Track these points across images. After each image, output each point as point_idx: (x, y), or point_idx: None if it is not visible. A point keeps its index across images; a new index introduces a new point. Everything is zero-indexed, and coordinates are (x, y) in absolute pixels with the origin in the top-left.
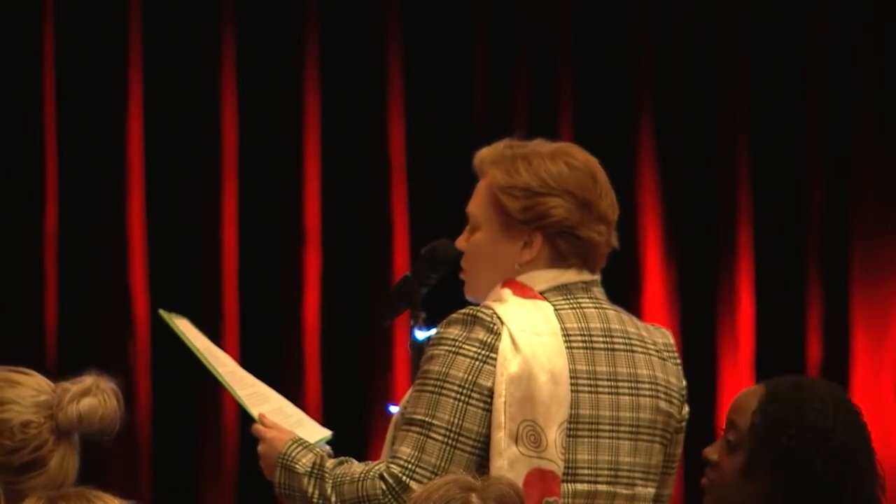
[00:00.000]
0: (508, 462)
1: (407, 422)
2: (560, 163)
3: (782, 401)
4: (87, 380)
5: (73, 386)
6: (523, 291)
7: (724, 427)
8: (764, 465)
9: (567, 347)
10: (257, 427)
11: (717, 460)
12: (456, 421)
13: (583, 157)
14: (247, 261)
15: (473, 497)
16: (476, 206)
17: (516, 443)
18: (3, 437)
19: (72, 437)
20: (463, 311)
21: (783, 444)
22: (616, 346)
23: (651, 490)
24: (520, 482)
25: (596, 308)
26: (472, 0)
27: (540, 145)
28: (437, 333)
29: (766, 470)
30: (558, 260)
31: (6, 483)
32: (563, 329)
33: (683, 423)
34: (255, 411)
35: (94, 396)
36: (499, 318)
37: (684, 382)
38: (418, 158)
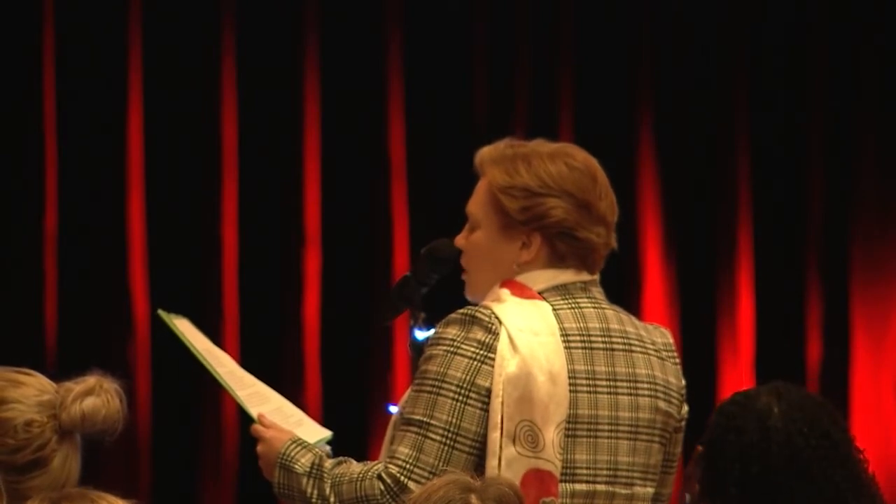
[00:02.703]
0: (506, 462)
1: (405, 422)
2: (560, 163)
3: (749, 394)
4: (91, 380)
5: (77, 386)
6: (522, 291)
7: None
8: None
9: (565, 347)
10: (256, 427)
11: None
12: (454, 421)
13: (583, 157)
14: (247, 261)
15: (473, 498)
16: (475, 205)
17: (514, 443)
18: (6, 436)
19: (74, 437)
20: (461, 311)
21: (709, 428)
22: (615, 346)
23: (650, 490)
24: (517, 482)
25: (594, 308)
26: (472, 0)
27: (540, 145)
28: (435, 333)
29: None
30: (556, 260)
31: (8, 482)
32: (562, 329)
33: (683, 423)
34: (254, 411)
35: (97, 396)
36: (497, 318)
37: (683, 382)
38: (418, 158)
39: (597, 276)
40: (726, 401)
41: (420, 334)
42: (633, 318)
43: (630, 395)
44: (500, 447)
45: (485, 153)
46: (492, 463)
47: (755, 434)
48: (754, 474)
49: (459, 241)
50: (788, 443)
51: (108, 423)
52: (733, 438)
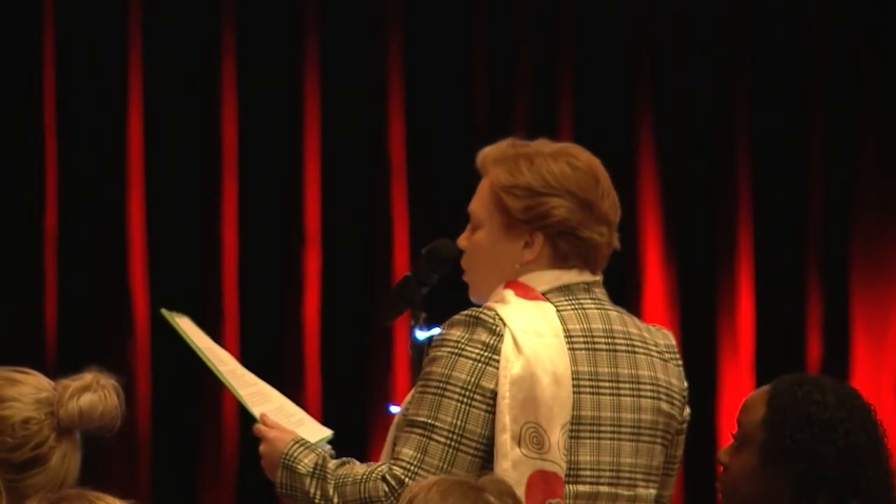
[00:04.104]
0: (511, 463)
1: (409, 423)
2: (562, 163)
3: (785, 396)
4: (87, 376)
5: (74, 382)
6: (525, 292)
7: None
8: (774, 458)
9: (569, 349)
10: (259, 427)
11: (727, 462)
12: (458, 423)
13: (585, 157)
14: (247, 261)
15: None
16: (478, 205)
17: (519, 444)
18: (4, 434)
19: (73, 435)
20: (465, 312)
21: (788, 436)
22: (618, 347)
23: (652, 491)
24: (523, 484)
25: (598, 309)
26: (472, 0)
27: (543, 145)
28: (439, 335)
29: (777, 463)
30: (559, 260)
31: (7, 481)
32: (566, 330)
33: (684, 425)
34: (256, 411)
35: (94, 392)
36: (501, 319)
37: (685, 384)
38: (418, 158)
39: (600, 277)
40: (795, 379)
41: (420, 334)
42: (636, 320)
43: (632, 396)
44: (509, 449)
45: (487, 153)
46: (503, 465)
47: (838, 410)
48: (838, 445)
49: (462, 241)
50: (866, 425)
51: (105, 419)
52: (815, 410)
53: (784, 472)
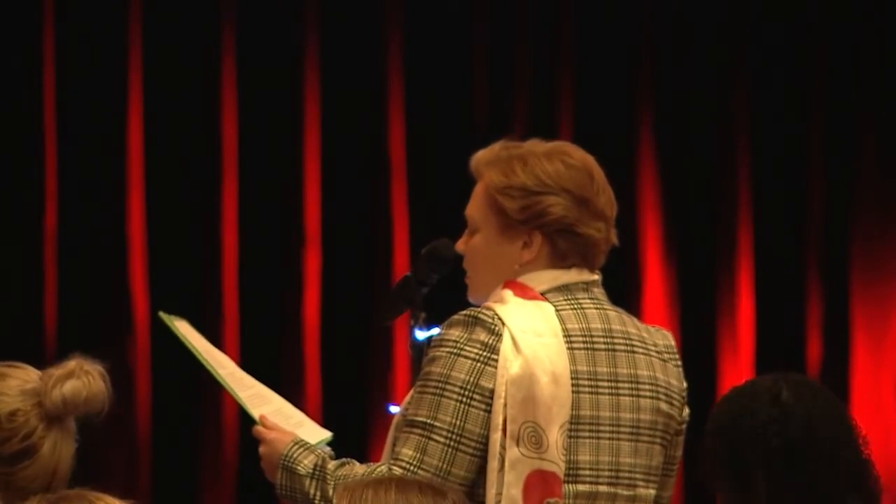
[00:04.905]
0: (509, 463)
1: (409, 423)
2: (556, 161)
3: (716, 417)
4: (71, 363)
5: (57, 371)
6: (524, 292)
7: None
8: (720, 479)
9: (568, 348)
10: (258, 429)
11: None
12: (458, 423)
13: (579, 155)
14: (247, 261)
15: None
16: (474, 208)
17: (517, 444)
18: None
19: (63, 422)
20: (464, 312)
21: (719, 452)
22: (617, 347)
23: (652, 491)
24: (521, 483)
25: (597, 308)
26: (472, 0)
27: (535, 145)
28: (438, 335)
29: (724, 483)
30: (558, 259)
31: (0, 475)
32: (564, 330)
33: (684, 426)
34: (255, 413)
35: (77, 378)
36: (500, 319)
37: (685, 384)
38: (418, 158)
39: (598, 277)
40: (728, 393)
41: (420, 334)
42: (635, 320)
43: (631, 396)
44: (504, 448)
45: (480, 156)
46: (492, 464)
47: (773, 410)
48: (774, 448)
49: (460, 246)
50: (806, 415)
51: (91, 404)
52: (748, 420)
53: (735, 487)
